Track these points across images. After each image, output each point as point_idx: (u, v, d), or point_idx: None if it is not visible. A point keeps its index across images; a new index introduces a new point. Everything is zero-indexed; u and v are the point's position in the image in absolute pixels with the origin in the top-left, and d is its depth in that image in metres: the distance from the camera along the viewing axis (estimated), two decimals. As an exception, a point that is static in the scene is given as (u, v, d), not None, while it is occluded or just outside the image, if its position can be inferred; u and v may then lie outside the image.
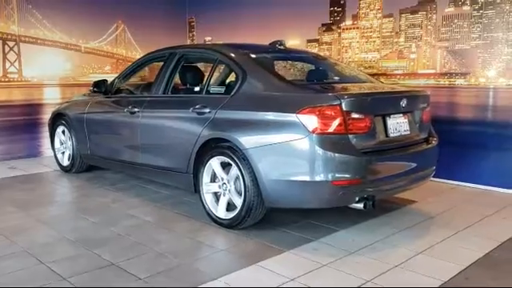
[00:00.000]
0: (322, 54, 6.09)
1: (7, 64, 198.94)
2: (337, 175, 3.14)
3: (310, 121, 3.14)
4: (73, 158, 5.42)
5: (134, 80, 5.08)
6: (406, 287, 2.68)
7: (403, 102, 3.56)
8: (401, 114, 3.62)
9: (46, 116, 6.03)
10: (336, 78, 4.35)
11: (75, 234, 3.54)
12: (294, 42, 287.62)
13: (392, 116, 3.53)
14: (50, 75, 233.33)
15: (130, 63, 5.24)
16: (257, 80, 3.61)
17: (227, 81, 4.38)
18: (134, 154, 4.50)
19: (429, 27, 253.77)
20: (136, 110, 4.40)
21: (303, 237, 3.44)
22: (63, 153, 5.63)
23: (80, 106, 5.33)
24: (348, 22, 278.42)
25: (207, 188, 3.75)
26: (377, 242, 3.36)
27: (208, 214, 3.76)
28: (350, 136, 3.20)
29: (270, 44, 4.38)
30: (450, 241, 3.40)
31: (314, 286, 2.69)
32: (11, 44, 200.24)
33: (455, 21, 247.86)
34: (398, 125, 3.58)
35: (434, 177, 5.20)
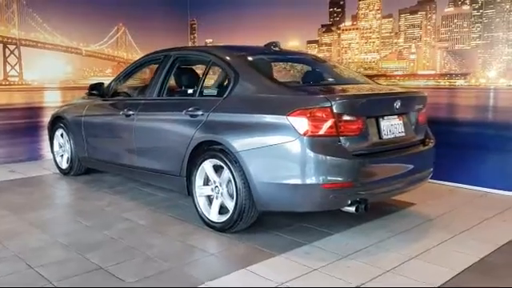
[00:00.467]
0: (317, 55, 5.99)
1: (8, 67, 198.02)
2: (327, 178, 3.04)
3: (301, 123, 3.05)
4: (71, 161, 5.36)
5: (132, 82, 5.00)
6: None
7: (397, 104, 3.46)
8: (395, 116, 3.52)
9: (47, 119, 5.96)
10: (331, 79, 4.27)
11: (68, 237, 3.47)
12: (294, 43, 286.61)
13: (386, 118, 3.43)
14: (51, 78, 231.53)
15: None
16: (249, 82, 3.53)
17: (220, 83, 4.30)
18: (130, 157, 4.43)
19: (428, 27, 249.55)
20: (131, 112, 4.33)
21: (296, 240, 3.35)
22: (62, 156, 5.57)
23: (78, 109, 5.27)
24: (348, 23, 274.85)
25: (200, 191, 3.67)
26: (371, 246, 3.26)
27: (201, 218, 3.68)
28: (342, 138, 3.10)
29: (264, 46, 4.30)
30: (446, 244, 3.29)
31: (302, 291, 2.60)
32: (12, 47, 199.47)
33: (455, 21, 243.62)
34: (393, 126, 3.48)
35: (434, 179, 5.14)
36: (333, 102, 3.06)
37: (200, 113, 3.64)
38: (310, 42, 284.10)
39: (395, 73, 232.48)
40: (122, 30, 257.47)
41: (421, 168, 3.71)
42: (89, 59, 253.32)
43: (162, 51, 4.48)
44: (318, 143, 3.05)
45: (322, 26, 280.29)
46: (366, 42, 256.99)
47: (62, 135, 5.52)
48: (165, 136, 4.00)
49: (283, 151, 3.11)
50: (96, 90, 4.92)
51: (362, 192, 3.15)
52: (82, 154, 5.18)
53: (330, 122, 3.05)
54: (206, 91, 3.88)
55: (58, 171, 5.65)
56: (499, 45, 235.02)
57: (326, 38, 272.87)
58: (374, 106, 3.40)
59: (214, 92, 3.79)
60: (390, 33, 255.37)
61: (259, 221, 3.57)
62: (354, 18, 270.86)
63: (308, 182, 3.05)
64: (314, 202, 3.16)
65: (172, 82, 4.27)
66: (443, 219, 3.87)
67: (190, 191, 3.77)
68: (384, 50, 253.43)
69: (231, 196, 3.42)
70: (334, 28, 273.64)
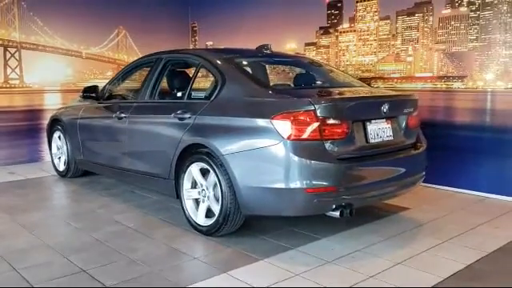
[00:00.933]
0: (309, 57, 5.90)
1: (8, 70, 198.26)
2: (311, 182, 2.96)
3: (284, 127, 2.98)
4: (68, 163, 5.33)
5: (126, 85, 4.95)
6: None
7: (384, 107, 3.36)
8: (383, 120, 3.42)
9: (47, 121, 5.93)
10: (323, 82, 4.19)
11: (55, 239, 3.43)
12: (292, 46, 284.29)
13: (373, 121, 3.34)
14: (51, 81, 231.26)
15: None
16: (235, 85, 3.47)
17: (208, 86, 4.25)
18: (122, 160, 4.38)
19: (425, 29, 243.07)
20: (123, 115, 4.29)
21: (282, 245, 3.27)
22: (59, 158, 5.55)
23: (74, 111, 5.24)
24: (345, 25, 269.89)
25: (188, 194, 3.61)
26: (357, 251, 3.17)
27: (188, 221, 3.62)
28: (326, 142, 3.02)
29: (256, 48, 4.23)
30: (434, 251, 3.19)
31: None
32: (12, 50, 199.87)
33: (452, 22, 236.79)
34: (380, 130, 3.39)
35: (432, 183, 5.04)
36: (317, 106, 2.97)
37: (188, 116, 3.58)
38: (307, 45, 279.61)
39: (392, 75, 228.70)
40: (123, 32, 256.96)
41: (411, 172, 3.61)
42: (89, 62, 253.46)
43: (154, 54, 4.44)
44: (301, 147, 2.97)
45: (320, 28, 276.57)
46: (363, 44, 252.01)
47: (59, 137, 5.50)
48: (154, 139, 3.95)
49: (267, 155, 3.04)
50: (90, 92, 4.88)
51: (347, 196, 3.06)
52: (78, 156, 5.14)
53: (313, 126, 2.97)
54: (194, 94, 3.82)
55: (56, 173, 5.62)
56: (496, 47, 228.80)
57: (324, 40, 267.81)
58: (361, 110, 3.31)
59: (202, 95, 3.73)
60: (388, 35, 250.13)
61: (247, 225, 3.51)
62: (352, 20, 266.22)
63: (291, 186, 2.97)
64: (298, 207, 3.07)
65: (164, 84, 4.21)
66: (435, 225, 3.76)
67: (178, 194, 3.70)
68: (381, 53, 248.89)
69: (217, 200, 3.35)
70: (331, 30, 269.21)
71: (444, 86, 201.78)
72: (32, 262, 3.01)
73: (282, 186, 2.99)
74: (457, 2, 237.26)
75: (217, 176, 3.28)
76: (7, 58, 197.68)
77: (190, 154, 3.54)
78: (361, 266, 2.92)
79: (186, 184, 3.60)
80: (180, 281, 2.71)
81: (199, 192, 3.52)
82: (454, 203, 4.41)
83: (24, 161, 8.48)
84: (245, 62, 3.84)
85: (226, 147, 3.21)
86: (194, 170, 3.51)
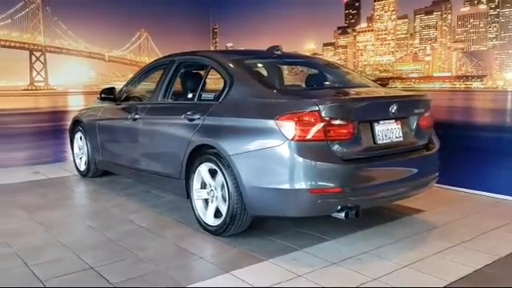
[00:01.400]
0: (322, 57, 5.84)
1: (34, 73, 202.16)
2: (315, 183, 2.94)
3: (289, 127, 2.96)
4: (88, 164, 5.44)
5: (142, 87, 5.02)
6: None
7: (393, 108, 3.30)
8: (392, 120, 3.36)
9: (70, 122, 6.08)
10: (334, 83, 4.15)
11: (69, 237, 3.50)
12: (311, 46, 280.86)
13: (381, 122, 3.29)
14: (75, 83, 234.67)
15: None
16: (243, 86, 3.48)
17: (218, 87, 4.27)
18: (137, 160, 4.45)
19: (444, 28, 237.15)
20: (138, 116, 4.36)
21: (288, 246, 3.26)
22: (81, 158, 5.67)
23: (93, 112, 5.35)
24: (363, 25, 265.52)
25: (198, 194, 3.63)
26: (364, 254, 3.12)
27: (198, 221, 3.64)
28: (330, 143, 2.99)
29: (267, 50, 4.23)
30: (443, 254, 3.12)
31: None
32: (38, 54, 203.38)
33: (471, 20, 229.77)
34: (389, 131, 3.33)
35: (449, 185, 4.93)
36: (321, 106, 2.95)
37: (197, 117, 3.61)
38: (326, 45, 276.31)
39: (410, 75, 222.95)
40: (145, 35, 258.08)
41: (423, 173, 3.53)
42: (112, 64, 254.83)
43: (168, 56, 4.51)
44: (305, 148, 2.95)
45: (338, 28, 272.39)
46: (381, 43, 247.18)
47: (80, 138, 5.62)
48: (166, 139, 4.01)
49: (272, 155, 3.03)
50: (107, 94, 4.97)
51: (353, 198, 3.02)
52: (98, 156, 5.25)
53: (318, 127, 2.95)
54: (204, 95, 3.84)
55: (77, 173, 5.75)
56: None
57: (342, 41, 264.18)
58: (367, 110, 3.26)
59: (212, 96, 3.75)
60: (406, 34, 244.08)
61: (255, 225, 3.51)
62: (370, 19, 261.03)
63: (295, 186, 2.95)
64: (302, 208, 3.05)
65: (177, 86, 4.25)
66: (448, 227, 3.68)
67: (188, 194, 3.73)
68: (399, 52, 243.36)
69: (225, 200, 3.36)
70: (349, 30, 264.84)
71: (463, 85, 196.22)
72: (44, 258, 3.08)
73: (285, 186, 2.98)
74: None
75: (224, 176, 3.29)
76: (33, 61, 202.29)
77: (199, 154, 3.56)
78: (366, 268, 2.88)
79: (196, 184, 3.63)
80: (183, 280, 2.73)
81: (208, 192, 3.54)
82: (470, 206, 4.30)
83: (49, 161, 8.70)
84: (253, 64, 3.85)
85: (233, 148, 3.22)
86: (203, 170, 3.53)
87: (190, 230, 3.64)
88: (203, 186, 3.61)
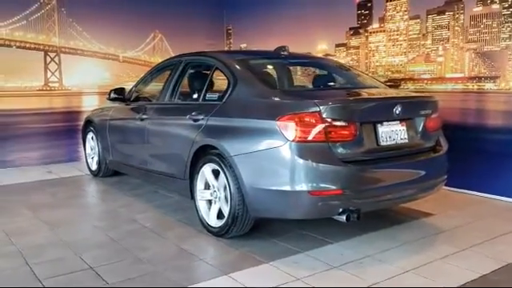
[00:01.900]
0: (329, 58, 5.75)
1: (48, 74, 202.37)
2: (315, 185, 2.87)
3: (290, 128, 2.91)
4: (99, 163, 5.46)
5: (151, 87, 5.02)
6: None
7: (397, 109, 3.21)
8: (397, 122, 3.27)
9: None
10: (340, 83, 4.07)
11: (72, 237, 3.51)
12: (323, 47, 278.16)
13: (385, 123, 3.20)
14: (89, 84, 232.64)
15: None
16: (246, 86, 3.43)
17: (222, 88, 4.24)
18: (144, 160, 4.44)
19: (456, 28, 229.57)
20: (145, 116, 4.35)
21: (291, 248, 3.19)
22: (92, 158, 5.70)
23: (104, 113, 5.37)
24: (375, 25, 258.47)
25: (201, 195, 3.60)
26: (367, 257, 3.04)
27: (201, 222, 3.61)
28: (331, 144, 2.92)
29: (274, 50, 4.18)
30: (448, 259, 3.02)
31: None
32: (52, 55, 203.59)
33: (484, 20, 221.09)
34: (393, 133, 3.24)
35: (462, 188, 4.80)
36: (322, 107, 2.88)
37: (201, 117, 3.58)
38: (338, 46, 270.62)
39: (422, 76, 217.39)
40: (159, 36, 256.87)
41: (430, 176, 3.43)
42: (126, 65, 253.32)
43: (175, 57, 4.50)
44: (306, 149, 2.89)
45: (350, 28, 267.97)
46: (393, 44, 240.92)
47: (92, 138, 5.65)
48: (172, 139, 3.99)
49: (273, 157, 2.98)
50: (116, 94, 4.98)
51: (355, 200, 2.94)
52: (108, 156, 5.26)
53: (318, 128, 2.88)
54: (209, 96, 3.81)
55: (89, 173, 5.78)
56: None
57: (354, 41, 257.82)
58: (370, 111, 3.18)
59: (216, 97, 3.72)
60: (418, 34, 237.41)
61: (258, 227, 3.46)
62: (382, 20, 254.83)
63: (296, 188, 2.89)
64: (302, 210, 2.99)
65: (183, 86, 4.23)
66: (456, 232, 3.57)
67: (192, 195, 3.70)
68: (411, 53, 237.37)
69: (227, 201, 3.32)
70: (361, 31, 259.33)
71: (476, 86, 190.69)
72: (45, 257, 3.08)
73: (286, 188, 2.92)
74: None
75: (226, 177, 3.25)
76: (47, 62, 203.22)
77: (203, 155, 3.53)
78: (367, 272, 2.80)
79: (200, 185, 3.59)
80: (180, 281, 2.69)
81: (211, 193, 3.50)
82: (482, 209, 4.18)
83: (63, 160, 8.77)
84: (258, 64, 3.81)
85: (235, 148, 3.18)
86: (207, 171, 3.50)
87: (193, 231, 3.61)
88: (207, 186, 3.57)
